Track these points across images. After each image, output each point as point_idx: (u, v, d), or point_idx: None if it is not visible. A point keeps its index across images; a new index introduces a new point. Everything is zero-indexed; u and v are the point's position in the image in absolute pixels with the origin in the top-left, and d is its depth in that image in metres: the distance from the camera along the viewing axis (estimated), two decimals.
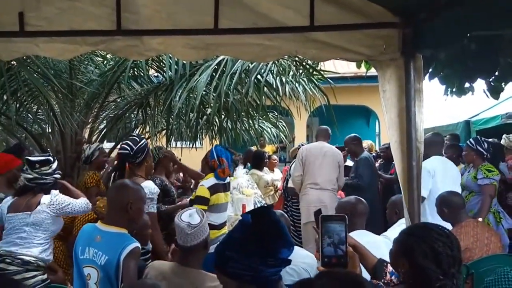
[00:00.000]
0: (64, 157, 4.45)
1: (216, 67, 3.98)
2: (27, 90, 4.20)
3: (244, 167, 5.79)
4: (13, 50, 2.30)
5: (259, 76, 4.04)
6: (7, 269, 2.69)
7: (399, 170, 2.20)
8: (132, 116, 5.26)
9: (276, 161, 6.93)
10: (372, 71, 2.77)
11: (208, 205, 3.53)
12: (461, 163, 5.16)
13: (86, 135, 4.97)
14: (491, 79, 3.73)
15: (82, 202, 2.99)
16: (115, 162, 3.38)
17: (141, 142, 3.26)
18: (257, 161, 5.93)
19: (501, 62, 3.40)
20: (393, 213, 3.15)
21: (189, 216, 2.20)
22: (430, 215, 3.79)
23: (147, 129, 5.30)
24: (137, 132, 5.64)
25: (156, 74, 5.36)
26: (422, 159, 2.20)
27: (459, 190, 4.06)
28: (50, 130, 4.68)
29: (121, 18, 2.18)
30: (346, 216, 1.61)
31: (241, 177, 5.21)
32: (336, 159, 4.77)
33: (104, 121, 5.20)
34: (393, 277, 1.80)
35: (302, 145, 5.56)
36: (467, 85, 4.02)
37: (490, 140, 4.91)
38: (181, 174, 5.69)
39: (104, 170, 4.61)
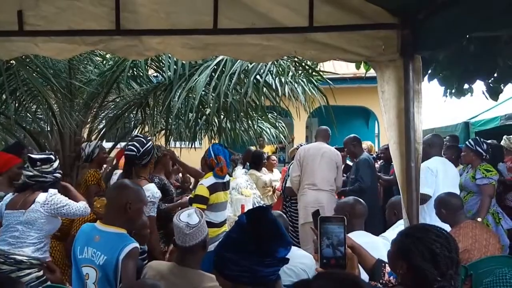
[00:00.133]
0: (63, 156, 4.44)
1: (215, 67, 3.98)
2: (26, 89, 4.19)
3: (244, 167, 5.79)
4: (12, 50, 2.30)
5: (258, 77, 4.04)
6: (0, 269, 2.68)
7: (397, 171, 2.20)
8: (131, 116, 5.26)
9: (275, 161, 6.93)
10: (372, 72, 2.77)
11: (207, 204, 3.54)
12: (460, 164, 5.16)
13: (85, 135, 4.97)
14: (490, 81, 3.73)
15: (80, 206, 2.94)
16: (117, 163, 3.37)
17: (148, 144, 3.24)
18: (256, 161, 5.94)
19: (500, 63, 3.40)
20: (392, 214, 3.15)
21: (187, 216, 2.20)
22: (429, 216, 3.80)
23: (146, 129, 5.31)
24: (136, 132, 5.66)
25: (155, 74, 5.37)
26: (420, 160, 2.20)
27: (457, 191, 4.07)
28: (49, 130, 4.68)
29: (120, 18, 2.18)
30: (345, 218, 1.61)
31: (240, 177, 5.21)
32: (334, 159, 4.77)
33: (103, 121, 5.20)
34: (391, 278, 1.80)
35: (301, 145, 5.56)
36: (466, 86, 4.02)
37: (489, 141, 4.92)
38: (180, 175, 5.69)
39: (104, 169, 4.61)
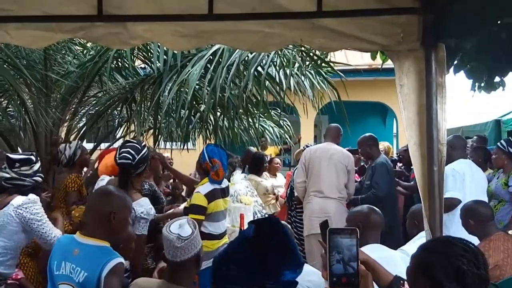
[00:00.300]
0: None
1: (210, 57, 3.99)
2: None
3: (243, 171, 5.79)
4: None
5: (259, 68, 4.05)
6: None
7: (418, 176, 2.20)
8: (115, 113, 5.28)
9: (278, 164, 6.93)
10: (389, 63, 2.77)
11: (205, 215, 3.54)
12: (489, 169, 5.16)
13: (63, 134, 4.98)
14: None
15: (54, 233, 2.85)
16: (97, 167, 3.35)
17: (144, 151, 3.23)
18: (255, 165, 5.92)
19: None
20: (413, 224, 3.15)
21: (179, 227, 2.20)
22: (455, 227, 3.80)
23: (132, 128, 5.33)
24: (120, 131, 5.67)
25: (142, 66, 5.38)
26: (444, 163, 2.20)
27: (485, 199, 4.07)
28: (21, 128, 4.69)
29: (103, 2, 2.18)
30: (358, 229, 1.60)
31: (239, 183, 5.21)
32: (344, 162, 4.74)
33: (83, 119, 5.22)
34: None
35: (307, 146, 5.56)
36: (497, 79, 4.01)
37: None
38: (171, 181, 5.70)
39: (84, 173, 4.62)
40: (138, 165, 3.17)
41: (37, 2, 2.20)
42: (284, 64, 4.19)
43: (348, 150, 5.03)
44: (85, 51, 5.20)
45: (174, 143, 5.68)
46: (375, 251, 2.29)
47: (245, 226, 3.86)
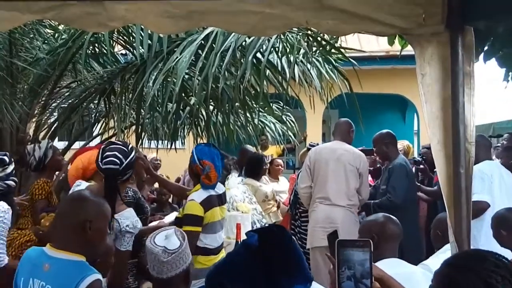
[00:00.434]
0: None
1: (202, 42, 3.99)
2: None
3: (239, 175, 5.80)
4: None
5: (258, 55, 4.05)
6: None
7: (442, 180, 2.20)
8: (92, 106, 5.28)
9: (280, 167, 6.93)
10: (409, 49, 2.77)
11: (202, 226, 3.54)
12: None
13: (31, 132, 4.98)
14: None
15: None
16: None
17: (132, 155, 3.23)
18: (253, 168, 5.92)
19: None
20: (437, 235, 3.16)
21: (165, 239, 2.20)
22: (484, 236, 3.81)
23: (112, 123, 5.33)
24: (98, 128, 5.67)
25: (123, 52, 5.37)
26: (472, 165, 2.20)
27: None
28: None
29: None
30: (371, 241, 1.61)
31: (235, 188, 5.22)
32: (355, 164, 4.73)
33: (55, 113, 5.21)
34: None
35: (312, 146, 5.55)
36: None
37: None
38: (157, 185, 5.70)
39: (55, 177, 4.62)
40: (125, 171, 3.15)
41: None
42: (288, 50, 4.19)
43: (361, 150, 5.02)
44: (56, 35, 5.20)
45: (160, 142, 5.68)
46: (392, 267, 2.30)
47: (242, 237, 3.88)
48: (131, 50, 4.84)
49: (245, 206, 5.00)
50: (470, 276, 1.56)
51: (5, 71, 4.42)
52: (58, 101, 5.26)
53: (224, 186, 4.91)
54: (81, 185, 3.42)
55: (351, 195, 4.70)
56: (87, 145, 5.27)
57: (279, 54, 4.29)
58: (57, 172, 4.50)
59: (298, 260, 1.45)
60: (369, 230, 2.75)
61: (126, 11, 2.26)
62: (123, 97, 4.74)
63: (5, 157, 3.04)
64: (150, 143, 5.75)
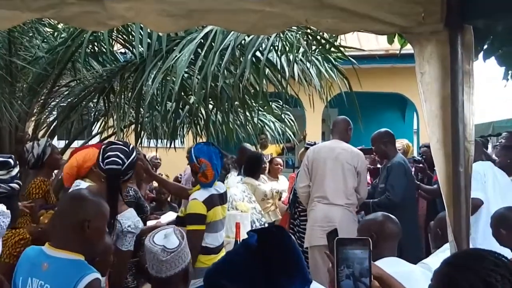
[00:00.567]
0: None
1: (201, 41, 3.99)
2: None
3: (239, 174, 5.80)
4: None
5: (258, 54, 4.04)
6: None
7: (441, 179, 2.21)
8: (91, 105, 5.27)
9: (279, 166, 6.94)
10: (409, 48, 2.77)
11: (205, 224, 3.55)
12: None
13: (30, 130, 4.98)
14: None
15: None
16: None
17: (133, 154, 3.23)
18: (251, 166, 5.93)
19: None
20: (437, 234, 3.16)
21: (164, 238, 2.20)
22: (481, 235, 3.82)
23: (111, 122, 5.32)
24: (97, 127, 5.66)
25: (122, 51, 5.37)
26: (472, 164, 2.20)
27: None
28: None
29: None
30: (370, 240, 1.61)
31: (235, 186, 5.22)
32: (352, 163, 4.73)
33: (54, 112, 5.21)
34: None
35: (310, 144, 5.55)
36: None
37: None
38: (155, 183, 5.70)
39: (55, 176, 4.62)
40: (127, 171, 3.15)
41: None
42: (287, 49, 4.19)
43: (360, 149, 5.02)
44: (56, 34, 5.19)
45: (159, 141, 5.67)
46: (392, 265, 2.30)
47: (242, 237, 3.89)
48: (131, 48, 4.83)
49: (244, 205, 5.01)
50: (470, 275, 1.56)
51: (4, 69, 4.42)
52: (57, 100, 5.25)
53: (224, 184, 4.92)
54: (80, 185, 3.42)
55: (349, 194, 4.70)
56: (86, 144, 5.26)
57: (279, 53, 4.28)
58: (55, 171, 4.51)
59: (297, 261, 1.45)
60: (368, 229, 2.76)
61: (125, 10, 2.26)
62: (123, 96, 4.74)
63: (10, 160, 3.04)
64: (150, 142, 5.75)
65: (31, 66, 4.58)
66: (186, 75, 4.35)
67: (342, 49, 4.74)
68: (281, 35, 4.01)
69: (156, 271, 2.13)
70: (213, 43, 3.90)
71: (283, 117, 6.33)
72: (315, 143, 5.65)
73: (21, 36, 4.66)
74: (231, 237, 4.43)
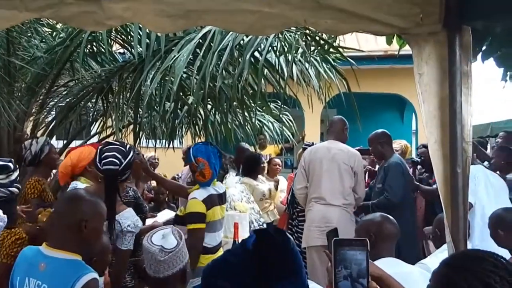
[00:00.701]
0: None
1: (200, 41, 3.99)
2: None
3: (237, 174, 5.80)
4: None
5: (256, 54, 4.04)
6: None
7: (439, 179, 2.21)
8: (89, 105, 5.26)
9: (278, 166, 6.94)
10: (407, 49, 2.77)
11: (205, 223, 3.57)
12: None
13: (28, 130, 4.97)
14: None
15: None
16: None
17: (130, 154, 3.22)
18: (250, 166, 5.93)
19: None
20: (436, 235, 3.16)
21: (162, 238, 2.20)
22: (479, 238, 3.82)
23: (109, 123, 5.32)
24: (96, 127, 5.66)
25: (121, 51, 5.37)
26: (470, 164, 2.21)
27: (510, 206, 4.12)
28: None
29: None
30: (368, 240, 1.61)
31: (233, 187, 5.22)
32: (349, 163, 4.73)
33: (52, 112, 5.21)
34: None
35: (309, 145, 5.55)
36: None
37: None
38: (154, 183, 5.70)
39: (52, 177, 4.61)
40: (124, 171, 3.15)
41: None
42: (286, 49, 4.19)
43: (358, 149, 5.02)
44: (54, 34, 5.19)
45: (158, 141, 5.67)
46: (390, 266, 2.30)
47: (240, 237, 3.89)
48: (129, 49, 4.83)
49: (242, 205, 5.01)
50: (468, 276, 1.56)
51: (3, 69, 4.41)
52: (56, 100, 5.25)
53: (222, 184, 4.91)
54: (77, 185, 3.42)
55: (346, 194, 4.70)
56: (85, 144, 5.26)
57: (277, 53, 4.28)
58: (54, 171, 4.50)
59: (295, 265, 1.44)
60: (366, 230, 2.76)
61: (123, 10, 2.26)
62: (121, 96, 4.73)
63: (10, 164, 3.03)
64: (148, 142, 5.74)
65: (30, 66, 4.57)
66: (184, 75, 4.35)
67: (340, 49, 4.75)
68: (280, 35, 4.01)
69: (154, 271, 2.13)
70: (211, 44, 3.90)
71: (282, 117, 6.33)
72: (313, 144, 5.64)
73: (20, 36, 4.66)
74: (229, 237, 4.43)
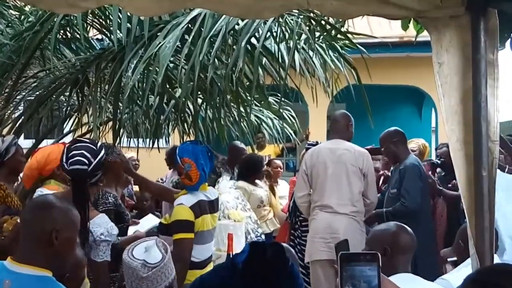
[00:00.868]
0: None
1: (188, 26, 3.98)
2: None
3: (231, 178, 5.80)
4: None
5: (253, 41, 4.04)
6: None
7: (462, 184, 2.21)
8: (63, 99, 5.25)
9: (279, 168, 6.94)
10: (426, 35, 2.77)
11: (194, 232, 3.55)
12: None
13: None
14: None
15: None
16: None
17: (101, 153, 3.22)
18: (248, 170, 5.92)
19: None
20: (459, 247, 3.17)
21: (145, 251, 2.20)
22: (508, 251, 3.83)
23: (85, 119, 5.31)
24: (69, 124, 5.65)
25: (98, 37, 5.36)
26: (496, 166, 2.20)
27: None
28: None
29: None
30: (382, 254, 1.60)
31: (227, 192, 5.22)
32: (357, 164, 4.72)
33: (20, 107, 5.19)
34: None
35: (312, 145, 5.53)
36: None
37: None
38: (136, 187, 5.69)
39: (20, 181, 4.59)
40: (94, 172, 3.15)
41: None
42: (287, 35, 4.18)
43: (368, 149, 5.02)
44: (22, 17, 5.17)
45: (140, 140, 5.66)
46: (407, 283, 2.31)
47: (235, 250, 3.88)
48: (108, 34, 4.82)
49: (238, 213, 5.00)
50: None
51: None
52: (24, 93, 5.23)
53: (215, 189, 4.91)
54: (43, 192, 3.42)
55: (355, 200, 4.68)
56: (58, 143, 5.25)
57: (277, 40, 4.28)
58: (21, 174, 4.48)
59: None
60: (379, 241, 2.75)
61: None
62: (99, 89, 4.73)
63: None
64: (130, 142, 5.73)
65: None
66: (171, 65, 4.34)
67: (349, 35, 4.74)
68: (280, 19, 4.01)
69: None
70: (202, 29, 3.90)
71: (283, 113, 6.33)
72: (317, 143, 5.60)
73: None
74: (222, 250, 4.42)
